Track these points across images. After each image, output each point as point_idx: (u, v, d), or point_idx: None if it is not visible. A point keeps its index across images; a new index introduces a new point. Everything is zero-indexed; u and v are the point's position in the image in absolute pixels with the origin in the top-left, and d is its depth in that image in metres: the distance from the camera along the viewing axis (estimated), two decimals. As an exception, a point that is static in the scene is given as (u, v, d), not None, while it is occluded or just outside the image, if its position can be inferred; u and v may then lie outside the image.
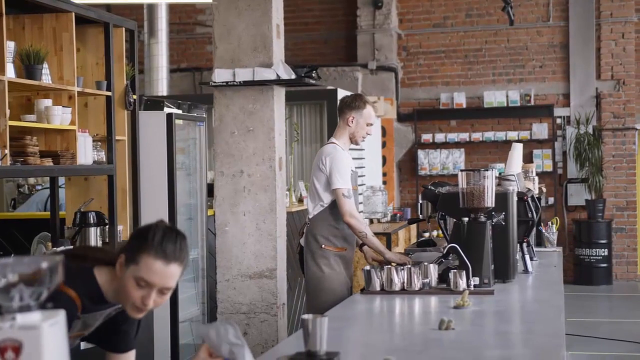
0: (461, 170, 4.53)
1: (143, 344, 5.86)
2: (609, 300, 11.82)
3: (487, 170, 4.48)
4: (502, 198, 4.60)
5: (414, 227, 11.35)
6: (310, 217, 5.40)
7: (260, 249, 5.86)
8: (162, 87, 11.18)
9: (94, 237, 5.50)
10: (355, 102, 5.38)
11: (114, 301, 2.75)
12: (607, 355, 8.25)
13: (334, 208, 5.24)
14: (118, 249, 2.74)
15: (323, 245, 5.27)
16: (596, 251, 12.42)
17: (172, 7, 12.95)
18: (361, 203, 10.01)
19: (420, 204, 5.21)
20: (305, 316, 2.76)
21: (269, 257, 5.87)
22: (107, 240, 5.70)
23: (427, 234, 12.02)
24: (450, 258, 4.51)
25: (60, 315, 1.81)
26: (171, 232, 2.67)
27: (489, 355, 2.99)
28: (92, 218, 5.51)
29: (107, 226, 5.67)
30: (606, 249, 12.44)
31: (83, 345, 4.62)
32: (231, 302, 5.84)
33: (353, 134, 5.36)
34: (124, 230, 5.96)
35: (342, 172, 5.19)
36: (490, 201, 4.45)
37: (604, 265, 12.45)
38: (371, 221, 10.34)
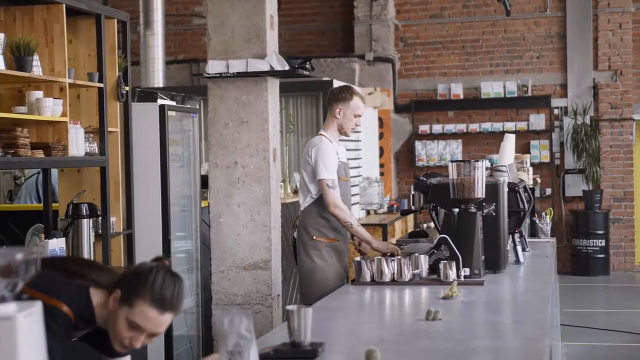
0: (452, 161, 4.53)
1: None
2: (606, 290, 11.83)
3: (478, 161, 4.48)
4: (492, 189, 4.60)
5: (410, 218, 11.36)
6: (301, 209, 5.43)
7: (254, 240, 5.86)
8: (157, 79, 11.16)
9: (87, 228, 5.50)
10: (342, 93, 5.39)
11: (102, 326, 2.75)
12: (603, 345, 8.26)
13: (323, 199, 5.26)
14: (115, 279, 2.71)
15: (314, 237, 5.30)
16: (593, 242, 12.42)
17: (168, -1, 12.94)
18: (357, 194, 10.02)
19: (413, 195, 5.20)
20: (290, 307, 2.77)
21: (263, 249, 5.87)
22: (99, 232, 5.70)
23: (424, 225, 12.04)
24: (441, 249, 4.51)
25: (36, 306, 1.81)
26: (171, 278, 2.67)
27: (473, 346, 3.00)
28: (84, 210, 5.50)
29: (99, 218, 5.67)
30: (603, 240, 12.44)
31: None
32: (226, 294, 5.84)
33: (341, 126, 5.37)
34: (116, 222, 5.96)
35: (327, 163, 5.21)
36: (480, 192, 4.45)
37: (601, 256, 12.46)
38: (367, 212, 10.34)
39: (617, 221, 12.79)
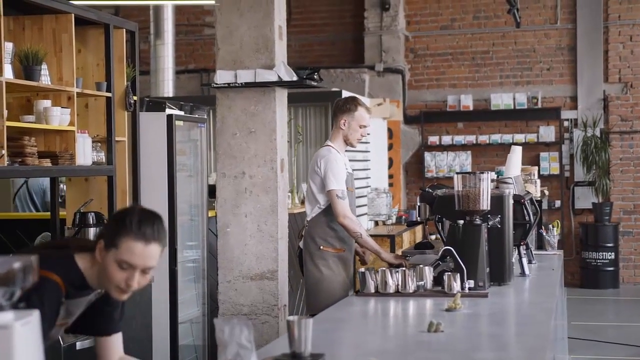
0: (457, 173, 4.53)
1: (142, 343, 5.88)
2: (615, 303, 11.78)
3: (483, 173, 4.47)
4: (498, 201, 4.59)
5: (419, 229, 11.34)
6: (308, 219, 5.46)
7: (261, 251, 5.86)
8: (167, 89, 11.20)
9: (93, 237, 5.52)
10: (347, 104, 5.43)
11: (96, 286, 2.82)
12: (612, 359, 8.22)
13: (331, 209, 5.27)
14: (96, 235, 2.83)
15: (321, 247, 5.32)
16: (603, 254, 12.38)
17: (180, 9, 12.99)
18: (365, 205, 10.01)
19: (419, 206, 5.21)
20: (290, 318, 2.77)
21: (270, 259, 5.87)
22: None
23: (433, 237, 12.01)
24: (446, 260, 4.50)
25: (33, 315, 1.82)
26: (147, 215, 2.77)
27: (473, 358, 2.99)
28: (91, 219, 5.52)
29: (106, 227, 5.69)
30: (613, 253, 12.40)
31: (79, 345, 4.66)
32: (232, 304, 5.84)
33: (347, 137, 5.41)
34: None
35: (336, 174, 5.24)
36: (485, 204, 4.44)
37: (611, 268, 12.41)
38: (376, 223, 10.34)
39: (626, 234, 12.74)
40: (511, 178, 5.20)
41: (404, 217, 11.00)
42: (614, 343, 8.75)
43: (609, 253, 12.38)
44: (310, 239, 5.38)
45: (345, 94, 10.33)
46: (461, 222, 4.45)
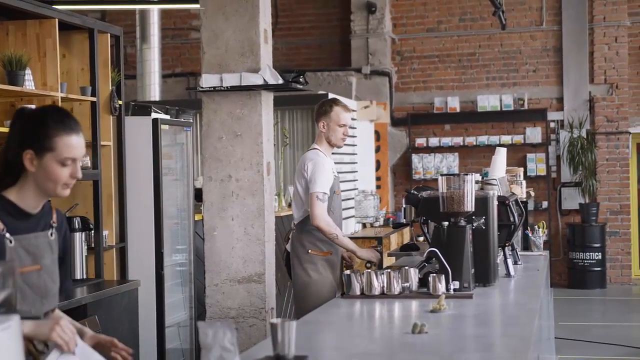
0: (441, 175, 4.54)
1: (129, 347, 5.85)
2: (602, 303, 11.82)
3: (467, 174, 4.49)
4: (482, 202, 4.61)
5: (406, 231, 11.36)
6: (295, 222, 5.48)
7: (248, 254, 5.87)
8: (154, 93, 11.20)
9: (79, 242, 5.51)
10: (323, 107, 5.52)
11: (31, 207, 2.79)
12: (600, 359, 8.25)
13: None
14: (12, 148, 2.75)
15: (310, 251, 5.34)
16: (590, 255, 12.42)
17: (166, 13, 12.98)
18: (352, 208, 10.02)
19: (404, 208, 5.24)
20: (274, 320, 2.78)
21: (257, 262, 5.87)
22: (92, 245, 5.71)
23: (421, 239, 12.02)
24: (431, 262, 4.51)
25: (14, 320, 1.83)
26: (60, 109, 2.84)
27: (458, 359, 3.00)
28: (77, 223, 5.52)
29: (92, 231, 5.68)
30: (600, 253, 12.45)
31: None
32: (220, 307, 5.84)
33: (329, 138, 5.47)
34: (109, 236, 5.97)
35: (322, 177, 5.28)
36: (470, 205, 4.45)
37: (598, 269, 12.46)
38: (363, 225, 10.35)
39: (613, 234, 12.79)
40: (495, 179, 5.22)
41: (391, 219, 11.01)
42: (602, 343, 8.78)
43: (596, 253, 12.42)
44: (299, 242, 5.40)
45: (332, 97, 10.35)
46: (446, 223, 4.46)
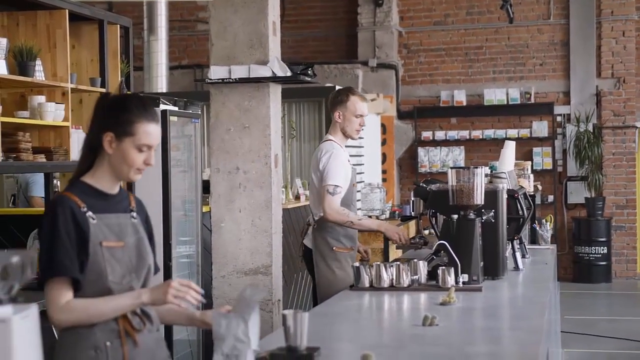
0: (451, 168, 4.54)
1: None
2: (608, 298, 11.83)
3: (477, 168, 4.49)
4: (491, 195, 4.61)
5: (413, 224, 11.36)
6: (316, 218, 5.34)
7: (255, 246, 5.87)
8: (161, 84, 11.19)
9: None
10: (339, 96, 5.36)
11: (108, 188, 2.91)
12: (605, 353, 8.26)
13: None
14: (94, 131, 2.89)
15: (334, 247, 5.25)
16: (595, 249, 12.42)
17: (173, 4, 12.98)
18: (359, 200, 10.02)
19: (412, 201, 5.22)
20: (286, 312, 2.79)
21: (264, 254, 5.87)
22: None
23: (426, 232, 12.02)
24: (440, 255, 4.51)
25: (32, 309, 1.83)
26: (143, 97, 2.98)
27: (468, 351, 3.01)
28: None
29: (101, 222, 5.69)
30: (605, 247, 12.45)
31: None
32: (226, 299, 5.84)
33: (344, 129, 5.34)
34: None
35: (336, 170, 5.16)
36: (479, 198, 4.45)
37: (604, 263, 12.46)
38: (369, 218, 10.34)
39: (619, 228, 12.79)
40: (505, 173, 5.22)
41: (397, 212, 11.00)
42: (607, 337, 8.79)
43: (602, 247, 12.42)
44: (322, 239, 5.28)
45: (347, 86, 10.36)
46: (455, 216, 4.46)
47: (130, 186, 6.16)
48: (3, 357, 1.75)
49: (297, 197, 8.27)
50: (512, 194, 5.02)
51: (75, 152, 5.33)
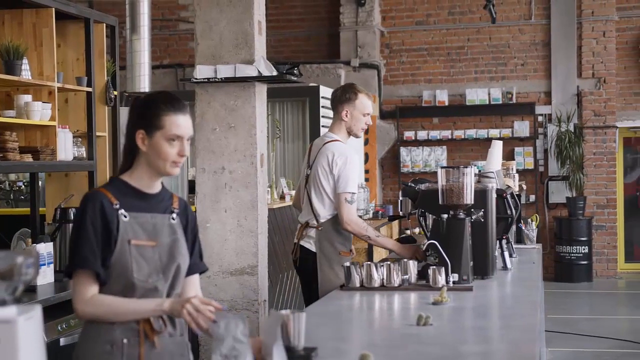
0: (441, 167, 4.54)
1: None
2: (589, 297, 11.89)
3: (467, 167, 4.49)
4: (481, 195, 4.62)
5: (395, 224, 11.38)
6: (322, 220, 5.11)
7: (241, 246, 5.86)
8: (144, 84, 11.10)
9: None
10: (346, 94, 5.16)
11: (149, 189, 2.95)
12: (587, 351, 8.30)
13: None
14: (128, 132, 2.96)
15: (341, 252, 5.09)
16: (577, 248, 12.49)
17: (154, 4, 12.91)
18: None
19: (401, 200, 5.19)
20: (284, 312, 2.78)
21: (250, 254, 5.87)
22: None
23: (408, 231, 12.05)
24: (429, 254, 4.51)
25: (36, 310, 1.82)
26: (167, 93, 3.02)
27: (465, 350, 3.01)
28: (72, 214, 5.48)
29: (87, 222, 5.64)
30: (586, 246, 12.52)
31: (63, 341, 4.63)
32: (212, 299, 5.82)
33: (350, 128, 5.17)
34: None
35: (351, 176, 4.99)
36: (469, 198, 4.46)
37: (585, 262, 12.53)
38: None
39: (600, 228, 12.86)
40: (493, 172, 5.23)
41: (380, 211, 11.02)
42: (589, 335, 8.83)
43: (583, 247, 12.49)
44: (328, 242, 5.08)
45: (323, 89, 10.35)
46: (445, 216, 4.47)
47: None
48: (9, 358, 1.74)
49: (282, 197, 8.26)
50: (500, 194, 5.04)
51: (61, 152, 5.29)
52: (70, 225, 5.47)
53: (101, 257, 2.84)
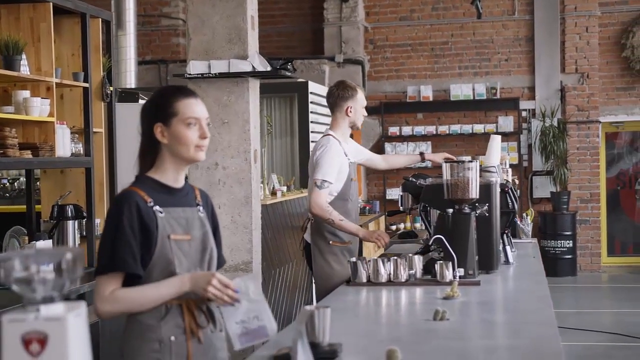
0: (445, 162, 4.53)
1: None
2: (573, 291, 11.96)
3: (471, 161, 4.49)
4: (485, 189, 4.62)
5: (382, 219, 11.39)
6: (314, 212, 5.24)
7: (235, 242, 5.84)
8: (130, 80, 11.05)
9: (72, 230, 5.43)
10: (347, 91, 5.34)
11: (174, 182, 2.94)
12: (574, 345, 8.34)
13: (338, 202, 5.18)
14: (145, 131, 2.95)
15: (331, 242, 5.23)
16: (561, 243, 12.55)
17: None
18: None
19: (401, 195, 5.19)
20: (309, 307, 2.76)
21: (244, 250, 5.85)
22: (84, 234, 5.63)
23: (401, 226, 12.06)
24: (433, 249, 4.51)
25: (82, 307, 1.79)
26: (171, 85, 3.16)
27: (489, 345, 3.01)
28: (69, 211, 5.43)
29: (84, 219, 5.60)
30: (571, 241, 12.58)
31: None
32: (208, 295, 5.80)
33: (354, 122, 5.37)
34: (101, 224, 5.89)
35: (327, 163, 5.14)
36: (474, 192, 4.46)
37: (569, 256, 12.60)
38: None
39: (584, 222, 12.94)
40: (494, 167, 5.24)
41: (367, 207, 11.03)
42: (574, 329, 8.88)
43: (567, 241, 12.56)
44: (319, 234, 5.25)
45: (312, 84, 10.33)
46: (450, 211, 4.47)
47: (113, 181, 6.08)
48: (59, 354, 1.71)
49: (274, 193, 8.23)
50: (503, 188, 5.05)
51: (60, 148, 5.24)
52: (69, 222, 5.42)
53: (142, 257, 2.82)
